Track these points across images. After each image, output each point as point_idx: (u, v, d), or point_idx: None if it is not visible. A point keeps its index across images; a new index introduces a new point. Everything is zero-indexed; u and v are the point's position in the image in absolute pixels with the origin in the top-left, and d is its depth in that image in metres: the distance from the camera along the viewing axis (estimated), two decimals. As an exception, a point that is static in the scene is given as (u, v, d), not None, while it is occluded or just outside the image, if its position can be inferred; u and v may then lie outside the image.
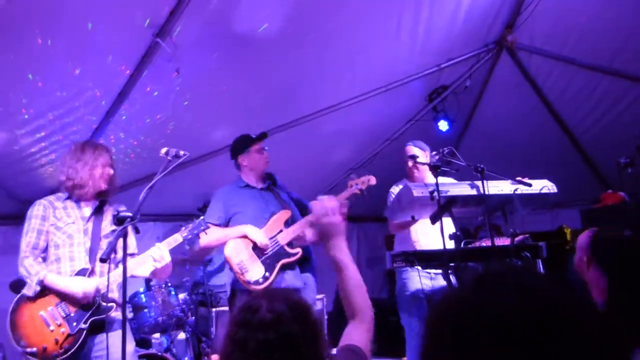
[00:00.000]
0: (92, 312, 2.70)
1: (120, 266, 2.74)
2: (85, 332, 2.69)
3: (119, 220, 2.24)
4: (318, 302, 5.65)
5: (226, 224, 3.46)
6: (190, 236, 2.93)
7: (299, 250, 3.44)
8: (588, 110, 5.42)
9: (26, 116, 3.50)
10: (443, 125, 5.50)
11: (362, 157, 6.00)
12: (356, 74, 4.54)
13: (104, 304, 2.74)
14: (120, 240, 2.41)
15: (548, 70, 5.11)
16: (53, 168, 4.11)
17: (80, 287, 2.68)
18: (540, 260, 3.79)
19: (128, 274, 2.68)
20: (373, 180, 3.53)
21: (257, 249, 3.32)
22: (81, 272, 2.77)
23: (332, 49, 4.11)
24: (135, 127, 4.00)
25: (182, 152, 2.69)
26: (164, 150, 2.75)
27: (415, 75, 4.91)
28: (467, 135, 6.06)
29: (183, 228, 2.94)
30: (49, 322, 2.68)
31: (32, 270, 2.72)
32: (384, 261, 7.03)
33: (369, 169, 6.02)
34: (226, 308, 4.62)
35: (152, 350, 4.02)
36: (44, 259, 2.83)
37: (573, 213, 6.62)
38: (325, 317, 5.63)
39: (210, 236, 3.27)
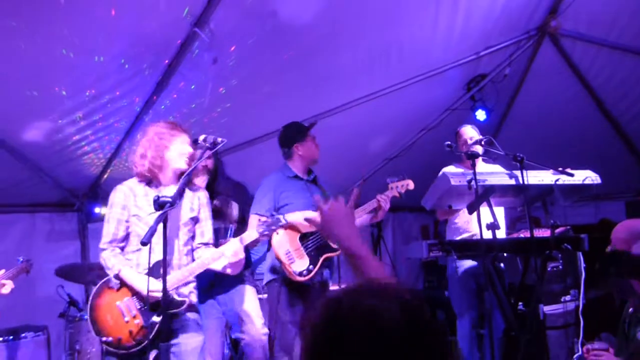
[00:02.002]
0: (165, 306, 2.59)
1: (196, 261, 2.74)
2: (157, 325, 2.56)
3: (159, 205, 2.26)
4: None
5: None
6: (266, 232, 2.83)
7: None
8: (635, 98, 5.22)
9: (71, 105, 3.61)
10: (481, 115, 5.40)
11: (399, 147, 5.95)
12: (392, 63, 4.48)
13: (177, 298, 2.67)
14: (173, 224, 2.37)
15: (593, 56, 4.93)
16: (95, 156, 4.24)
17: (146, 287, 2.56)
18: (581, 253, 3.70)
19: (203, 267, 2.70)
20: (411, 185, 3.59)
21: (303, 241, 3.33)
22: (157, 265, 2.61)
23: (368, 37, 4.08)
24: (173, 116, 4.06)
25: (219, 140, 2.69)
26: (201, 137, 2.76)
27: (453, 64, 4.81)
28: (506, 125, 5.93)
29: (259, 222, 2.85)
30: (124, 313, 2.64)
31: (109, 263, 2.69)
32: (420, 251, 6.99)
33: (405, 158, 5.98)
34: (263, 296, 4.67)
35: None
36: (122, 248, 2.77)
37: (617, 205, 6.43)
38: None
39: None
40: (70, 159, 4.17)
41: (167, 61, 3.46)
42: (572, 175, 3.37)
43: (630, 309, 2.49)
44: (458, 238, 4.00)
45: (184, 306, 2.67)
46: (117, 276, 2.66)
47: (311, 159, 3.59)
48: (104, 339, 2.61)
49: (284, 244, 3.28)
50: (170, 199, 2.27)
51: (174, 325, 2.67)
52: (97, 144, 4.08)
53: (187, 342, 2.69)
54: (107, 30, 3.10)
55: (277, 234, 3.24)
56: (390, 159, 6.06)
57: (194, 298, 2.81)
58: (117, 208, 2.75)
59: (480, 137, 3.86)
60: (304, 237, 3.33)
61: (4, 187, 4.25)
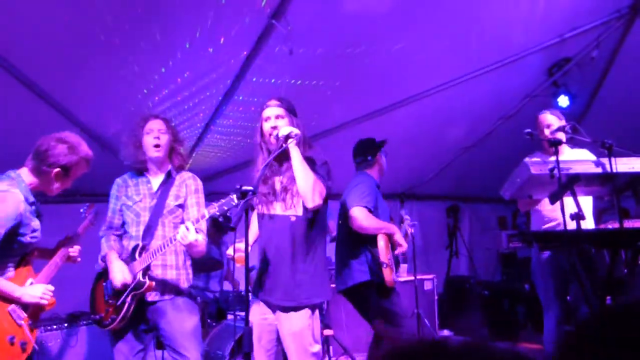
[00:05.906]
0: (132, 287, 2.77)
1: (169, 247, 2.75)
2: (129, 305, 2.77)
3: (241, 194, 2.34)
4: (428, 282, 5.61)
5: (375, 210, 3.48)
6: (219, 213, 2.56)
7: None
8: None
9: (156, 99, 3.81)
10: (563, 101, 5.14)
11: (476, 136, 5.79)
12: (470, 48, 4.37)
13: (142, 279, 2.77)
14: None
15: (692, 35, 4.56)
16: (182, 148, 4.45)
17: (119, 276, 2.76)
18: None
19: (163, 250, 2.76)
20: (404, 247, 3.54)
21: (391, 250, 3.45)
22: (134, 248, 2.85)
23: (445, 24, 3.99)
24: (249, 108, 4.18)
25: (294, 133, 2.70)
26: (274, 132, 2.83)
27: (534, 48, 4.60)
28: (593, 111, 5.61)
29: (213, 204, 2.56)
30: (105, 293, 2.89)
31: (102, 248, 2.95)
32: (498, 242, 6.76)
33: (482, 147, 5.82)
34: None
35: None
36: (120, 236, 2.99)
37: None
38: (435, 297, 5.57)
39: (369, 221, 3.34)
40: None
41: (245, 52, 3.57)
42: (667, 162, 3.14)
43: None
44: (543, 227, 3.84)
45: (144, 288, 2.76)
46: (103, 258, 2.91)
47: (383, 172, 3.71)
48: (92, 316, 2.91)
49: (387, 250, 3.37)
50: (252, 188, 2.34)
51: (151, 313, 2.85)
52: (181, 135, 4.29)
53: (171, 325, 2.81)
54: (192, 22, 3.24)
55: (383, 239, 3.36)
56: (467, 148, 5.92)
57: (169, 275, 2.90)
58: (112, 199, 3.03)
59: (563, 123, 3.68)
60: (393, 247, 3.44)
61: (98, 178, 4.54)
